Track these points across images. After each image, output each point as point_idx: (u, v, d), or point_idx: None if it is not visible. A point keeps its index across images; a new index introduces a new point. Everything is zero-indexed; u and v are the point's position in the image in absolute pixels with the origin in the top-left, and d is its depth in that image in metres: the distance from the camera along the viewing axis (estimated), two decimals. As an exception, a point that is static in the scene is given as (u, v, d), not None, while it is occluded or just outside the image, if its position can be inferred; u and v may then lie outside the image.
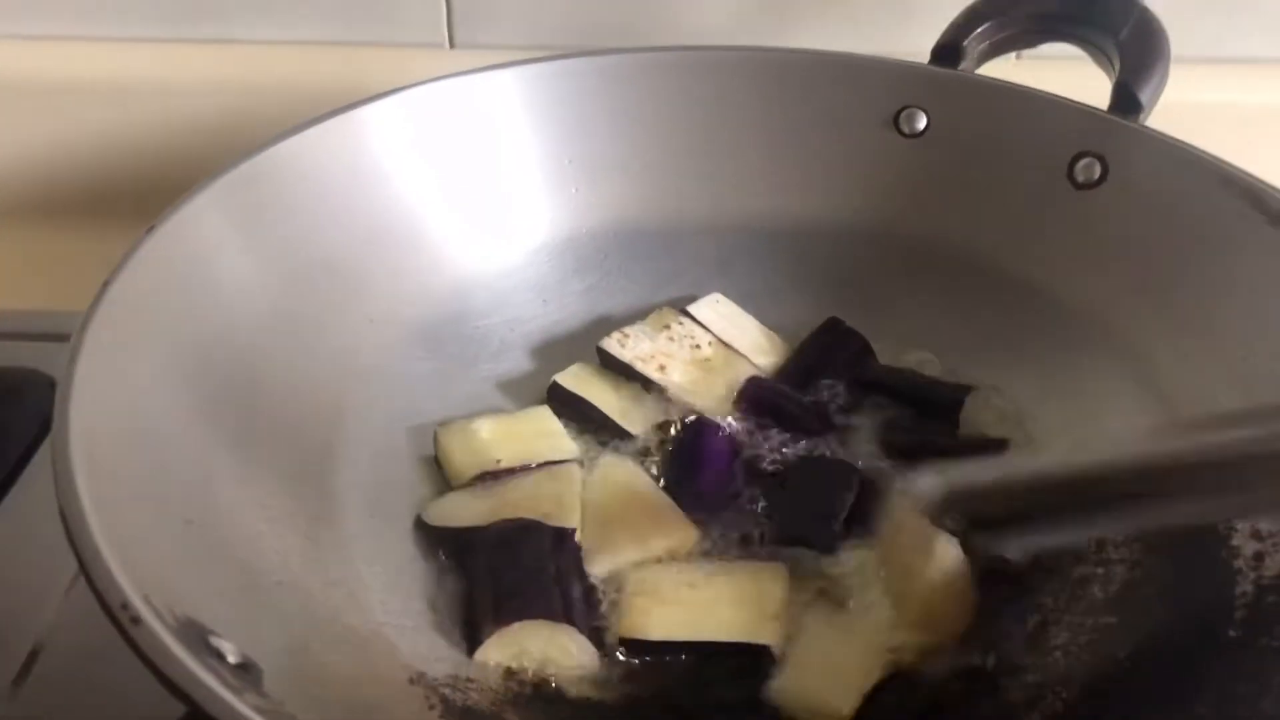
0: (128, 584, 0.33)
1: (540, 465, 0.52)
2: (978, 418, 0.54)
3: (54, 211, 0.75)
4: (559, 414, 0.55)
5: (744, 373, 0.57)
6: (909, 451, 0.53)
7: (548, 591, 0.45)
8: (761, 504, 0.51)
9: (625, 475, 0.52)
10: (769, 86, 0.61)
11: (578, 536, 0.49)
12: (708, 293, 0.60)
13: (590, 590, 0.47)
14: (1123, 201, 0.56)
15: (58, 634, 0.48)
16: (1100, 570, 0.47)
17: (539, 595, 0.45)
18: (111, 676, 0.45)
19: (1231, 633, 0.41)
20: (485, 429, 0.53)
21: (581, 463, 0.53)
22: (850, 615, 0.47)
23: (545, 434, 0.54)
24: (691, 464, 0.53)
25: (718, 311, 0.59)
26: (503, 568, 0.46)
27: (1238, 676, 0.39)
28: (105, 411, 0.39)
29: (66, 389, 0.39)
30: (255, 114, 0.72)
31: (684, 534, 0.50)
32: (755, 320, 0.59)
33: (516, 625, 0.44)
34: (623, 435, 0.54)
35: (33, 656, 0.48)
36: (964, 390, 0.55)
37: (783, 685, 0.44)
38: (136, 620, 0.32)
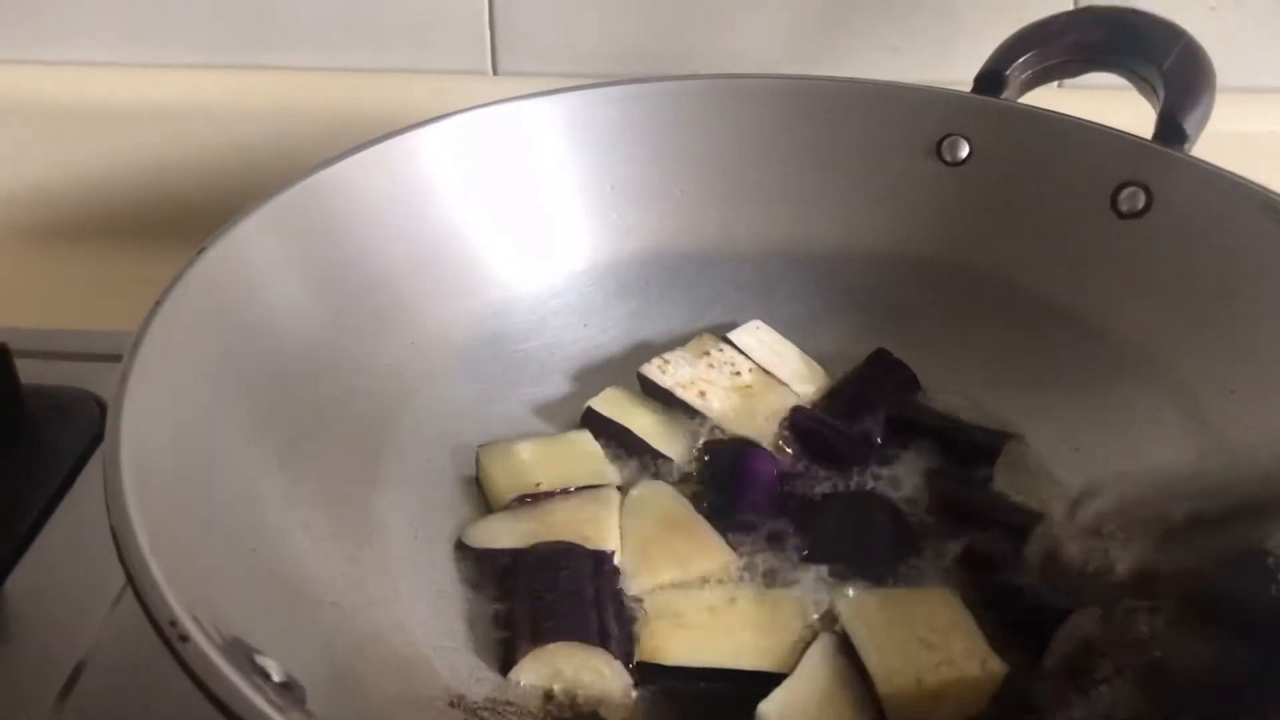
0: (176, 601, 0.33)
1: (579, 489, 0.52)
2: (1011, 467, 0.54)
3: (102, 233, 0.76)
4: (597, 438, 0.55)
5: (785, 400, 0.57)
6: (945, 505, 0.52)
7: (584, 614, 0.45)
8: (795, 534, 0.51)
9: (663, 498, 0.52)
10: (811, 114, 0.61)
11: (617, 559, 0.49)
12: (748, 319, 0.60)
13: (627, 614, 0.47)
14: (1167, 231, 0.55)
15: (102, 650, 0.49)
16: (1146, 604, 0.47)
17: (575, 618, 0.45)
18: (155, 692, 0.46)
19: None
20: (526, 451, 0.53)
21: (620, 487, 0.53)
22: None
23: (584, 457, 0.54)
24: (733, 486, 0.53)
25: (758, 338, 0.59)
26: (541, 589, 0.46)
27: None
28: (155, 431, 0.40)
29: (118, 408, 0.39)
30: (303, 139, 0.74)
31: (721, 557, 0.50)
32: (796, 348, 0.59)
33: (551, 646, 0.44)
34: (660, 459, 0.54)
35: (78, 671, 0.48)
36: (1002, 438, 0.54)
37: (769, 709, 0.43)
38: (185, 638, 0.32)
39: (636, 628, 0.46)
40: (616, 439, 0.55)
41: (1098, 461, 0.52)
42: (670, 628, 0.46)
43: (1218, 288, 0.53)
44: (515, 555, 0.48)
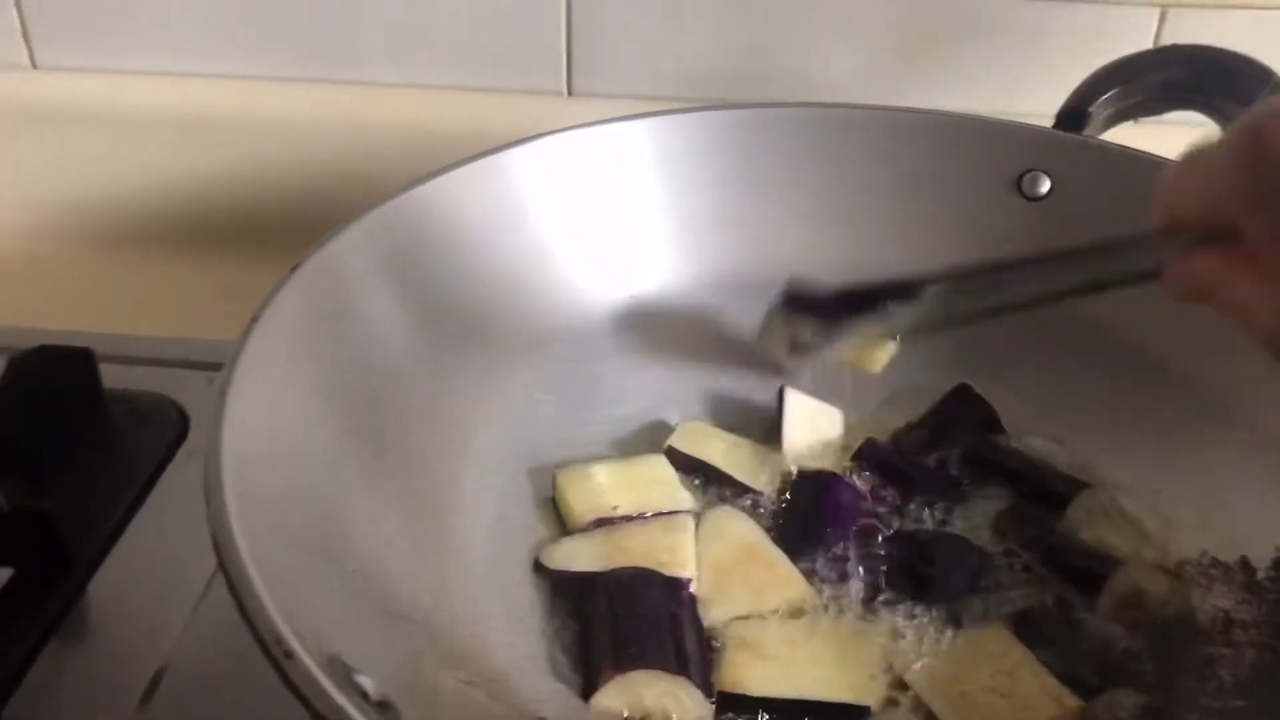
0: (279, 617, 0.34)
1: (655, 514, 0.52)
2: (1084, 517, 0.53)
3: (183, 243, 0.78)
4: (680, 470, 0.55)
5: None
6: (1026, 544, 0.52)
7: (664, 641, 0.46)
8: (871, 565, 0.51)
9: (739, 527, 0.53)
10: (893, 145, 0.61)
11: (693, 587, 0.49)
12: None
13: (706, 642, 0.47)
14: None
15: (183, 654, 0.50)
16: (1228, 651, 0.46)
17: (656, 645, 0.45)
18: (235, 697, 0.47)
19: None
20: (602, 474, 0.54)
21: (696, 514, 0.53)
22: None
23: (661, 483, 0.54)
24: (814, 517, 0.52)
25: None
26: (621, 615, 0.47)
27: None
28: (253, 445, 0.41)
29: (218, 422, 0.40)
30: (381, 153, 0.75)
31: (798, 588, 0.50)
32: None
33: (633, 674, 0.44)
34: (744, 490, 0.54)
35: (159, 675, 0.49)
36: (1077, 485, 0.54)
37: None
38: (290, 655, 0.33)
39: (715, 658, 0.47)
40: (699, 473, 0.55)
41: (1180, 506, 0.52)
42: (750, 659, 0.46)
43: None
44: (594, 579, 0.49)
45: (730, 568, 0.50)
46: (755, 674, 0.46)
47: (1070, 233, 0.59)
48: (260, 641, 0.34)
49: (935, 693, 0.46)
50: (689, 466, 0.55)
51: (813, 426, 0.57)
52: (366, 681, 0.35)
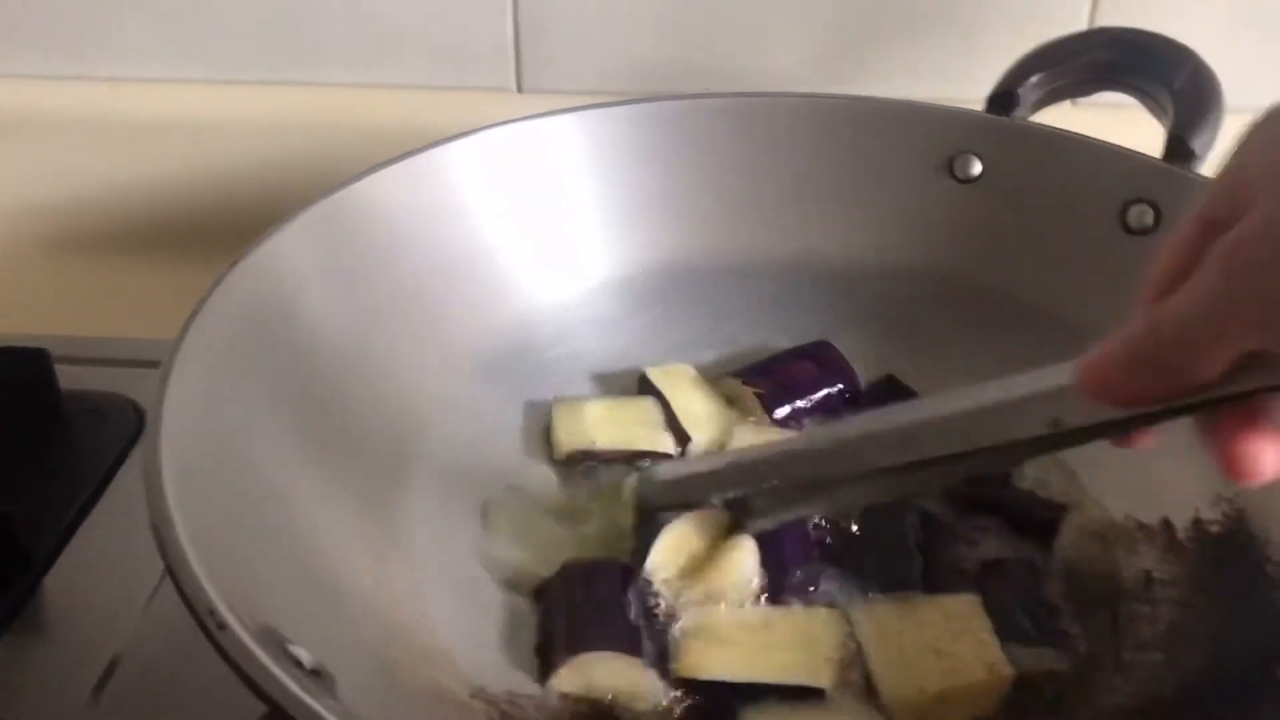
0: (213, 591, 0.35)
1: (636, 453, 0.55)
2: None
3: (136, 245, 0.78)
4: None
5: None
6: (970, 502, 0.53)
7: (619, 625, 0.47)
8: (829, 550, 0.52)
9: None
10: (827, 131, 0.63)
11: (656, 574, 0.49)
12: (763, 333, 0.62)
13: (661, 627, 0.48)
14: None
15: (137, 645, 0.51)
16: (1147, 609, 0.48)
17: (610, 628, 0.46)
18: (188, 686, 0.48)
19: (1279, 673, 0.42)
20: (593, 411, 0.57)
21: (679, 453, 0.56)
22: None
23: (646, 424, 0.56)
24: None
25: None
26: (578, 600, 0.48)
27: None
28: (193, 430, 0.42)
29: (158, 406, 0.41)
30: (332, 153, 0.75)
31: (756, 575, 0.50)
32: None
33: (587, 656, 0.45)
34: (684, 439, 0.56)
35: (112, 665, 0.50)
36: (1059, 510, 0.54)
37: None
38: (222, 625, 0.34)
39: (672, 643, 0.47)
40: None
41: (1105, 471, 0.53)
42: (707, 645, 0.47)
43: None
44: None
45: (693, 555, 0.50)
46: (713, 659, 0.47)
47: (1003, 213, 0.61)
48: (194, 613, 0.35)
49: (876, 645, 0.47)
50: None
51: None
52: (301, 652, 0.36)
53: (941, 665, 0.46)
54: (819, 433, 0.56)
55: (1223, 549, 0.49)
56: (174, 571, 0.36)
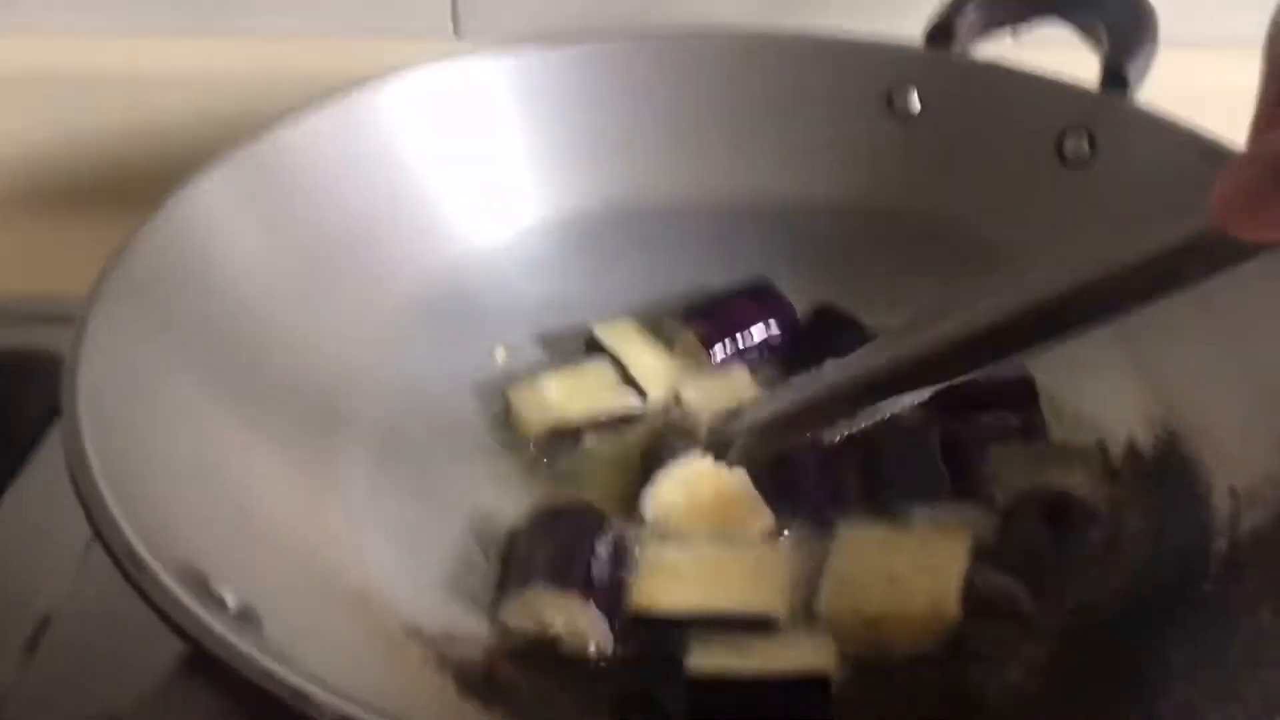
0: (131, 531, 0.34)
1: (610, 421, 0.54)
2: None
3: (63, 201, 0.77)
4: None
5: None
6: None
7: (575, 565, 0.46)
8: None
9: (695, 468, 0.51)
10: (765, 67, 0.62)
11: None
12: (706, 273, 0.61)
13: (624, 571, 0.47)
14: (1110, 177, 0.57)
15: (68, 605, 0.50)
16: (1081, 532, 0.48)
17: (565, 567, 0.46)
18: (120, 645, 0.46)
19: (1206, 587, 0.42)
20: (552, 386, 0.55)
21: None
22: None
23: (607, 386, 0.55)
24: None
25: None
26: (540, 540, 0.48)
27: (1210, 625, 0.40)
28: (113, 375, 0.41)
29: (75, 352, 0.40)
30: (266, 104, 0.73)
31: (760, 517, 0.50)
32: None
33: (534, 591, 0.45)
34: (640, 393, 0.56)
35: (44, 624, 0.49)
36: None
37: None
38: (141, 566, 0.34)
39: (629, 582, 0.47)
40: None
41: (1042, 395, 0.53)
42: (664, 579, 0.47)
43: (1155, 232, 0.54)
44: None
45: (692, 504, 0.50)
46: (667, 592, 0.46)
47: (941, 146, 0.61)
48: (112, 554, 0.34)
49: (837, 563, 0.47)
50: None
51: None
52: (226, 592, 0.36)
53: (889, 591, 0.46)
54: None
55: (1156, 471, 0.49)
56: (90, 512, 0.35)
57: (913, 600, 0.45)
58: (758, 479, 0.50)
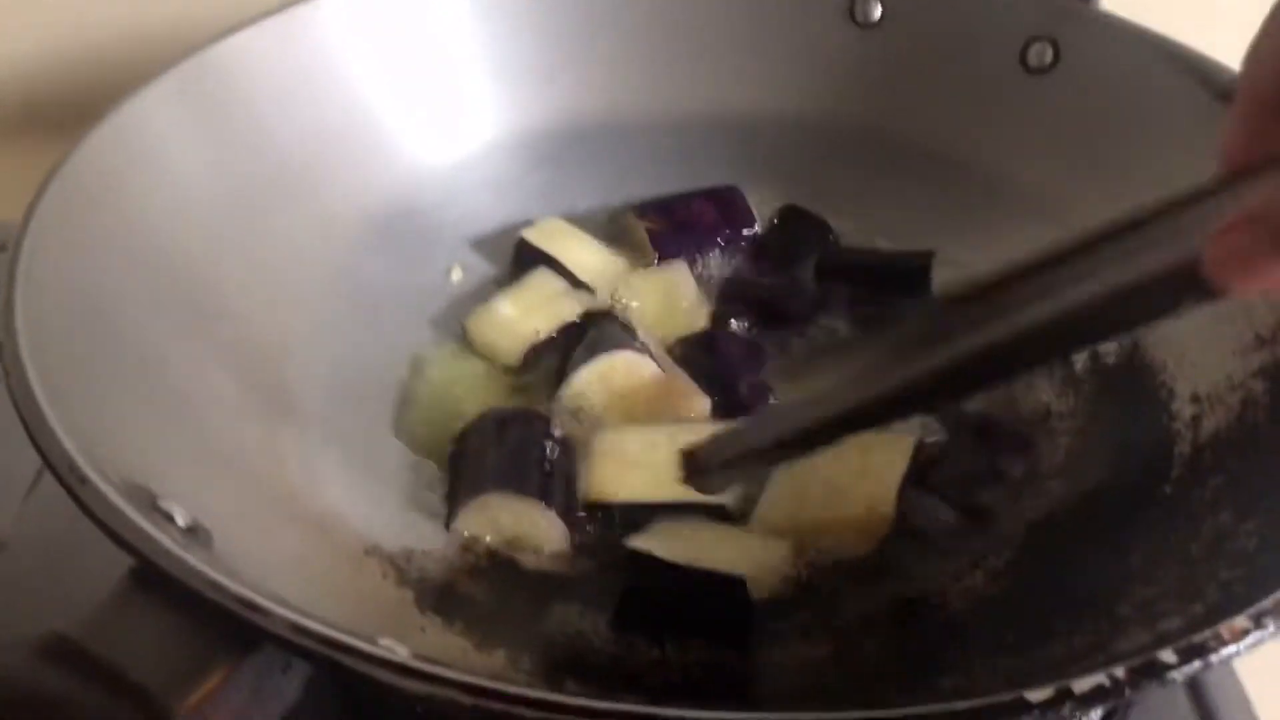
0: (73, 446, 0.34)
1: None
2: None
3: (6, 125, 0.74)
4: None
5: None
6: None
7: (527, 470, 0.46)
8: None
9: (629, 362, 0.51)
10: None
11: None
12: (666, 187, 0.60)
13: (575, 471, 0.47)
14: (1074, 84, 0.56)
15: (18, 534, 0.49)
16: (1045, 440, 0.48)
17: (517, 472, 0.46)
18: (69, 575, 0.46)
19: (1168, 489, 0.42)
20: (507, 307, 0.54)
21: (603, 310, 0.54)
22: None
23: (559, 293, 0.55)
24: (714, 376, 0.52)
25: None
26: (489, 447, 0.47)
27: (1170, 527, 0.40)
28: (52, 291, 0.40)
29: (13, 266, 0.39)
30: (207, 18, 0.72)
31: (696, 402, 0.50)
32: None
33: (488, 497, 0.45)
34: (589, 290, 0.55)
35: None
36: (927, 256, 0.55)
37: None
38: (83, 480, 0.33)
39: (582, 472, 0.47)
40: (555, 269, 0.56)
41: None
42: (615, 467, 0.47)
43: (1123, 137, 0.54)
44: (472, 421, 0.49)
45: (628, 396, 0.50)
46: (620, 481, 0.46)
47: (904, 56, 0.60)
48: (52, 468, 0.33)
49: (777, 471, 0.47)
50: (538, 260, 0.56)
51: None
52: (174, 508, 0.35)
53: (827, 497, 0.46)
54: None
55: (1118, 378, 0.49)
56: (29, 426, 0.34)
57: (850, 506, 0.45)
58: (690, 366, 0.51)
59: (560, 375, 0.51)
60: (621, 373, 0.50)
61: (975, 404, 0.50)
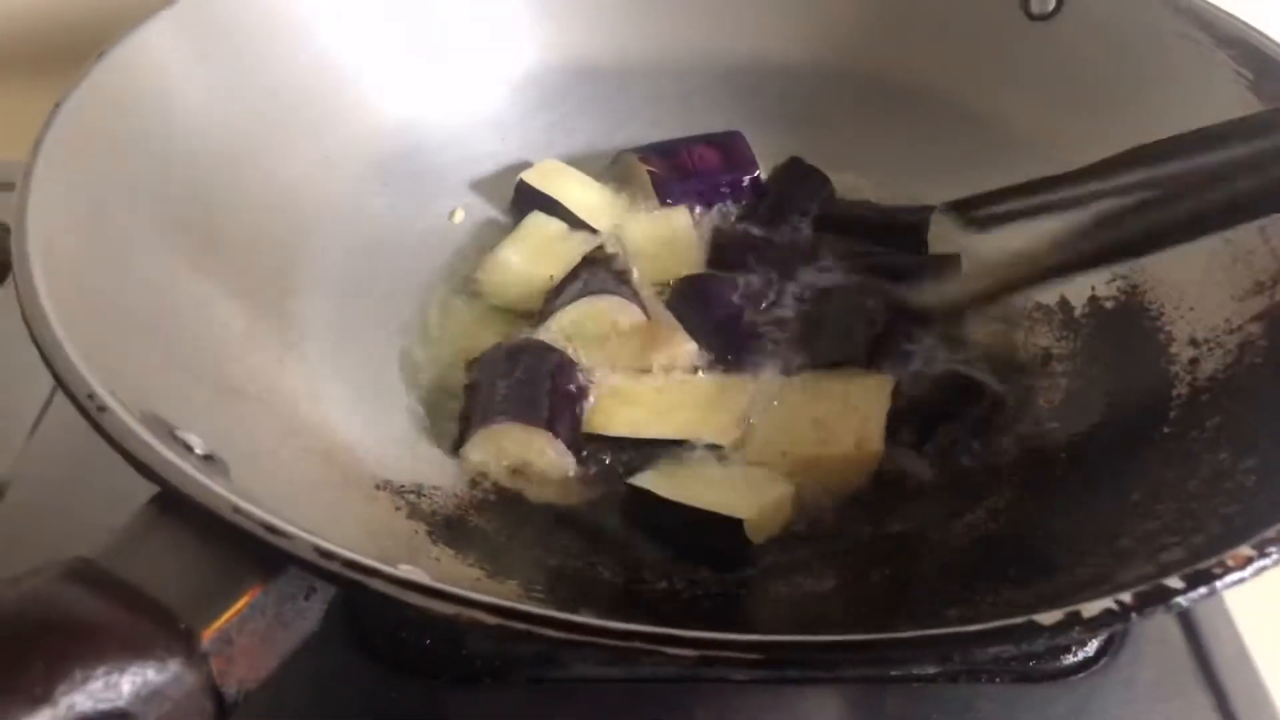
0: (92, 375, 0.34)
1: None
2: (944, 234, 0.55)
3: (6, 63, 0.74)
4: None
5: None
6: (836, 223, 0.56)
7: (537, 401, 0.47)
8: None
9: (613, 306, 0.51)
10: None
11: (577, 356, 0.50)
12: (667, 132, 0.60)
13: (582, 404, 0.48)
14: (1076, 30, 0.56)
15: (26, 468, 0.49)
16: (1045, 383, 0.49)
17: (526, 402, 0.46)
18: (77, 506, 0.46)
19: (1166, 429, 0.43)
20: (515, 256, 0.54)
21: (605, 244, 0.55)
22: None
23: (562, 238, 0.55)
24: (703, 315, 0.52)
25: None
26: (499, 378, 0.48)
27: (1168, 466, 0.41)
28: (63, 225, 0.40)
29: (24, 199, 0.39)
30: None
31: (681, 347, 0.50)
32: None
33: (497, 426, 0.46)
34: (589, 230, 0.56)
35: (1, 489, 0.49)
36: (926, 211, 0.55)
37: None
38: (103, 408, 0.33)
39: (588, 408, 0.48)
40: (549, 211, 0.56)
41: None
42: (619, 405, 0.48)
43: (1123, 83, 0.54)
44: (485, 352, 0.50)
45: (615, 338, 0.51)
46: (621, 417, 0.47)
47: (908, 4, 0.60)
48: (74, 399, 0.33)
49: (767, 410, 0.48)
50: (538, 205, 0.56)
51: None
52: (191, 438, 0.35)
53: (815, 435, 0.47)
54: None
55: (1117, 322, 0.50)
56: (48, 357, 0.34)
57: (838, 442, 0.46)
58: (683, 308, 0.52)
59: (543, 317, 0.51)
60: (605, 316, 0.51)
61: (965, 353, 0.51)
